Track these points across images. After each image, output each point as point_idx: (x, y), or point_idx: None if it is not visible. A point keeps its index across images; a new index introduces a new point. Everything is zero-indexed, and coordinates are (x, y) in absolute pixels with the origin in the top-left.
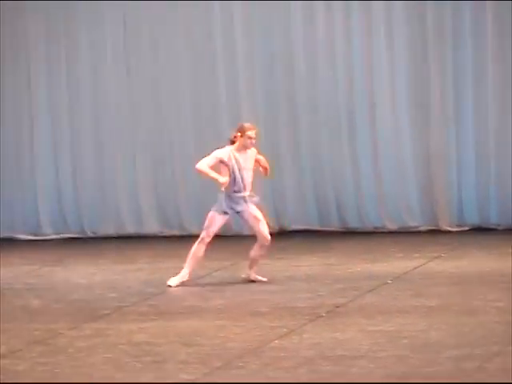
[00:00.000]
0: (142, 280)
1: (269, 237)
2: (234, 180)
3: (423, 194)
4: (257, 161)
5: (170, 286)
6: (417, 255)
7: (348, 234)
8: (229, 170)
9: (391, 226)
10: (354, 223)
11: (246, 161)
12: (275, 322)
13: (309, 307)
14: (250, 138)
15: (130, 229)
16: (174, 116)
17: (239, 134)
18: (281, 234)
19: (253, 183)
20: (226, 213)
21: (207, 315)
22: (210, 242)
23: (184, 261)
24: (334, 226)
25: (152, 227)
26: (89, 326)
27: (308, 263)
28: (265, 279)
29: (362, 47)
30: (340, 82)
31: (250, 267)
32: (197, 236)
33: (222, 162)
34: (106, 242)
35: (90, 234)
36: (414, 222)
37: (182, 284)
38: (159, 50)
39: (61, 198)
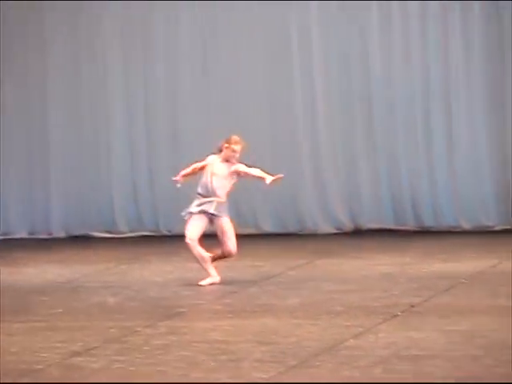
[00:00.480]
0: None
1: (233, 251)
2: (203, 182)
3: (499, 193)
4: (235, 172)
5: (201, 286)
6: (492, 255)
7: (423, 233)
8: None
9: (466, 225)
10: (429, 222)
11: (221, 168)
12: (350, 321)
13: (384, 306)
14: (233, 151)
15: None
16: (249, 116)
17: (226, 144)
18: (356, 233)
19: (228, 194)
20: (200, 212)
21: (282, 314)
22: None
23: (264, 259)
24: (410, 225)
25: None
26: (164, 324)
27: (383, 262)
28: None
29: (438, 48)
30: (416, 83)
31: (212, 260)
32: (272, 235)
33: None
34: (181, 240)
35: (165, 232)
36: (490, 221)
37: (213, 283)
38: (236, 49)
39: (137, 197)
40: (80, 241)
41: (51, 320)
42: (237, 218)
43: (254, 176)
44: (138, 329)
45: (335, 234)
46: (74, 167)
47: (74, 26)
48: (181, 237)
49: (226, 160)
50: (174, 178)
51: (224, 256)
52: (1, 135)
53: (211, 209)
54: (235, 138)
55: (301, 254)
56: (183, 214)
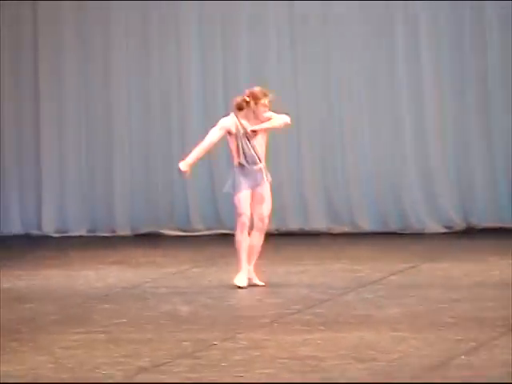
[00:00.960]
0: (306, 284)
1: (267, 219)
2: (243, 152)
3: None
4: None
5: (239, 288)
6: None
7: None
8: (236, 140)
9: None
10: None
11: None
12: (461, 334)
13: (501, 318)
14: (265, 105)
15: (293, 224)
16: (351, 115)
17: (253, 100)
18: (468, 233)
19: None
20: (247, 187)
21: (382, 326)
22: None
23: (361, 262)
24: None
25: (319, 223)
26: (245, 337)
27: (499, 267)
28: (262, 283)
29: None
30: None
31: (249, 261)
32: (370, 234)
33: (229, 133)
34: (265, 239)
35: None
36: None
37: (250, 281)
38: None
39: (214, 191)
40: (147, 239)
41: (114, 331)
42: (330, 215)
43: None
44: (215, 342)
45: (444, 233)
46: (141, 164)
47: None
48: (265, 235)
49: (254, 118)
50: (182, 170)
51: (258, 237)
52: (63, 131)
53: (260, 179)
54: (261, 89)
55: (404, 257)
56: (230, 190)
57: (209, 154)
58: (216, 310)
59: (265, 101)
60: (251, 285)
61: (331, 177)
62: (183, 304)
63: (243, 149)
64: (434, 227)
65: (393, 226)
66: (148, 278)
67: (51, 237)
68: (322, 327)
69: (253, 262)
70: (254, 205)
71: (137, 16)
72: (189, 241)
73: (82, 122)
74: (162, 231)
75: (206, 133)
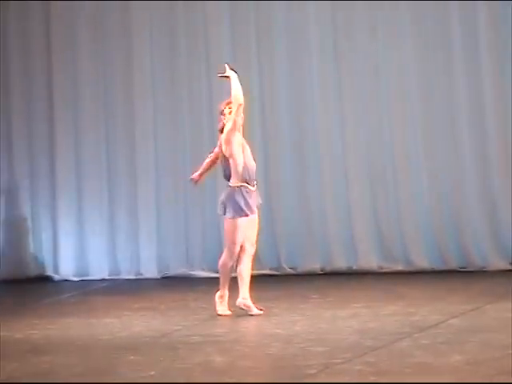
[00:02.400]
0: (356, 329)
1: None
2: (246, 166)
3: None
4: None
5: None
6: None
7: None
8: (243, 157)
9: None
10: None
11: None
12: None
13: None
14: (226, 115)
15: (340, 263)
16: (397, 124)
17: (222, 117)
18: None
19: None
20: (252, 211)
21: (441, 375)
22: None
23: (417, 304)
24: None
25: (369, 261)
26: None
27: None
28: (260, 312)
29: None
30: None
31: (242, 289)
32: (428, 272)
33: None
34: (309, 280)
35: (288, 270)
36: None
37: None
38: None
39: None
40: (177, 282)
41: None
42: (381, 252)
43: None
44: None
45: (509, 270)
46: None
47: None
48: (308, 276)
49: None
50: (192, 177)
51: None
52: (81, 154)
53: (258, 202)
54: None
55: (465, 297)
56: (230, 214)
57: None
58: (255, 361)
59: (225, 110)
60: (250, 314)
61: (382, 209)
62: (218, 354)
63: (250, 166)
64: (498, 264)
65: (452, 263)
66: (179, 325)
67: (70, 280)
68: (373, 377)
69: (246, 291)
70: (246, 230)
71: (163, 18)
72: None
73: (102, 149)
74: (192, 273)
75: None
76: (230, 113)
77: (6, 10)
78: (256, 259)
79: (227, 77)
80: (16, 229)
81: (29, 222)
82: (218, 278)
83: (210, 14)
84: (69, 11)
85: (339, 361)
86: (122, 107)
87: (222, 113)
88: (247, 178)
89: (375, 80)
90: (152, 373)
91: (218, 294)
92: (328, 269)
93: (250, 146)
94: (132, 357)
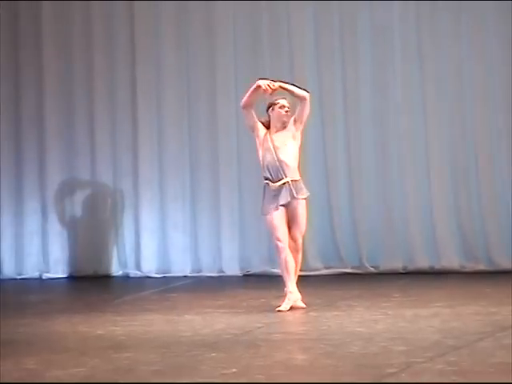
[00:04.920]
0: (438, 329)
1: (300, 239)
2: (267, 166)
3: None
4: (295, 125)
5: (280, 311)
6: None
7: None
8: (261, 151)
9: None
10: None
11: (282, 138)
12: None
13: None
14: (281, 106)
15: (422, 262)
16: (480, 123)
17: (270, 108)
18: None
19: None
20: (276, 209)
21: None
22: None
23: (499, 303)
24: None
25: (451, 260)
26: None
27: None
28: (303, 305)
29: None
30: None
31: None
32: (507, 272)
33: (253, 129)
34: (391, 278)
35: (369, 269)
36: None
37: (295, 305)
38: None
39: (333, 226)
40: (259, 280)
41: (222, 382)
42: (463, 251)
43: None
44: None
45: None
46: (250, 193)
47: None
48: (390, 274)
49: (280, 128)
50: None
51: (294, 256)
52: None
53: (289, 196)
54: (276, 98)
55: None
56: (263, 212)
57: (328, 190)
58: (336, 359)
59: (280, 101)
60: (294, 307)
61: (464, 208)
62: (299, 352)
63: (267, 161)
64: None
65: None
66: (260, 322)
67: (152, 277)
68: (455, 377)
69: (288, 284)
70: (288, 224)
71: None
72: (306, 281)
73: (184, 145)
74: (274, 270)
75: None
76: (286, 105)
77: (89, 10)
78: (338, 258)
79: (275, 89)
80: (99, 225)
81: (111, 219)
82: (300, 276)
83: (294, 14)
84: (152, 10)
85: (420, 360)
86: (205, 104)
87: (275, 108)
88: (268, 174)
89: (458, 80)
90: (234, 370)
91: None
92: (410, 268)
93: (334, 146)
94: (214, 354)
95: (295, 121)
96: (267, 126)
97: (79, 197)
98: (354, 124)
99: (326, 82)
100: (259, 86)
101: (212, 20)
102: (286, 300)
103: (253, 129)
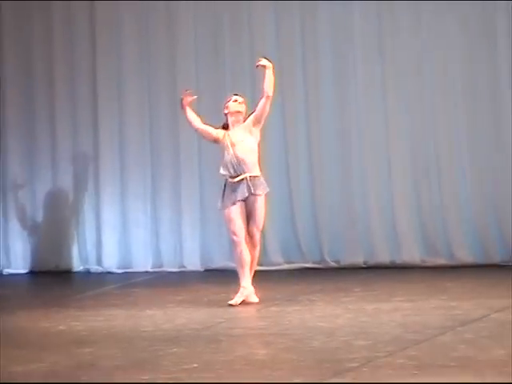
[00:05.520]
0: (399, 323)
1: (258, 235)
2: (226, 162)
3: None
4: (254, 122)
5: (231, 305)
6: None
7: None
8: (221, 150)
9: None
10: None
11: (239, 134)
12: None
13: None
14: (234, 100)
15: (383, 257)
16: (441, 119)
17: (225, 110)
18: None
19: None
20: (233, 203)
21: (485, 370)
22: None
23: (459, 298)
24: None
25: (412, 255)
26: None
27: None
28: (256, 300)
29: None
30: None
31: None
32: (470, 266)
33: (216, 141)
34: (352, 273)
35: (331, 264)
36: None
37: (247, 300)
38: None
39: (295, 221)
40: (220, 275)
41: (184, 378)
42: (424, 246)
43: (266, 93)
44: None
45: None
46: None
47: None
48: (351, 269)
49: (234, 126)
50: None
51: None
52: (124, 144)
53: (246, 192)
54: (228, 98)
55: (509, 292)
56: (219, 206)
57: (289, 185)
58: (297, 354)
59: (233, 97)
60: (247, 302)
61: (425, 203)
62: (261, 347)
63: (225, 159)
64: None
65: (495, 258)
66: (221, 317)
67: (113, 273)
68: (416, 372)
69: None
70: (246, 219)
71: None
72: (267, 276)
73: (146, 141)
74: (231, 265)
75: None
76: (241, 101)
77: (50, 10)
78: (299, 253)
79: (264, 66)
80: (60, 221)
81: (73, 215)
82: (260, 271)
83: (255, 12)
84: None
85: (382, 354)
86: (166, 102)
87: (228, 107)
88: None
89: (419, 77)
90: (195, 365)
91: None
92: (371, 262)
93: (295, 141)
94: (175, 349)
95: (254, 118)
96: (227, 126)
97: (40, 193)
98: (315, 120)
99: (286, 78)
100: (181, 103)
101: (173, 16)
102: (238, 294)
103: (214, 140)
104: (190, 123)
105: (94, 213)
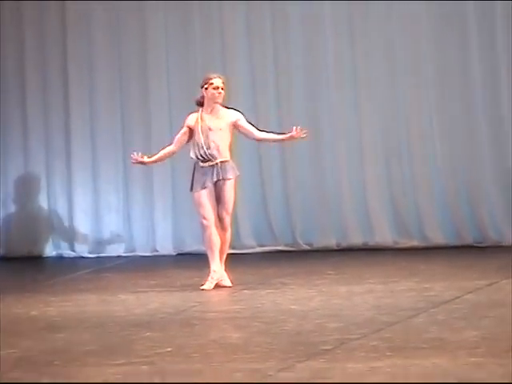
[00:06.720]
0: (372, 305)
1: (228, 218)
2: (195, 145)
3: None
4: (235, 125)
5: (204, 290)
6: None
7: None
8: (193, 135)
9: None
10: None
11: (214, 120)
12: None
13: None
14: (214, 88)
15: (356, 239)
16: (412, 102)
17: (205, 86)
18: None
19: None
20: (203, 187)
21: (457, 351)
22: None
23: (432, 280)
24: None
25: (385, 237)
26: (305, 366)
27: None
28: (230, 284)
29: None
30: None
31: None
32: (443, 248)
33: (190, 127)
34: (325, 256)
35: (303, 247)
36: None
37: (220, 284)
38: None
39: (267, 204)
40: (192, 259)
41: (157, 362)
42: (396, 227)
43: (260, 139)
44: (270, 373)
45: None
46: (184, 177)
47: None
48: (324, 252)
49: (212, 106)
50: (134, 158)
51: (221, 235)
52: (96, 140)
53: (216, 176)
54: (210, 73)
55: (481, 273)
56: (192, 190)
57: (261, 168)
58: (271, 337)
59: (215, 81)
60: (220, 286)
61: (397, 185)
62: (234, 330)
63: (197, 144)
64: None
65: (468, 239)
66: (194, 301)
67: (85, 257)
68: (389, 353)
69: (220, 262)
70: (215, 203)
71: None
72: (239, 259)
73: (117, 124)
74: (203, 249)
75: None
76: (221, 85)
77: (22, 9)
78: (271, 235)
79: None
80: (32, 206)
81: (45, 200)
82: (233, 255)
83: (225, 8)
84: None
85: (355, 336)
86: (137, 87)
87: (209, 85)
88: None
89: (390, 57)
90: (168, 349)
91: None
92: (344, 245)
93: (266, 123)
94: (148, 333)
95: (238, 125)
96: (201, 103)
97: (12, 178)
98: (287, 101)
99: (258, 64)
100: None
101: (143, 15)
102: (210, 279)
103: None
104: (167, 158)
105: (66, 198)
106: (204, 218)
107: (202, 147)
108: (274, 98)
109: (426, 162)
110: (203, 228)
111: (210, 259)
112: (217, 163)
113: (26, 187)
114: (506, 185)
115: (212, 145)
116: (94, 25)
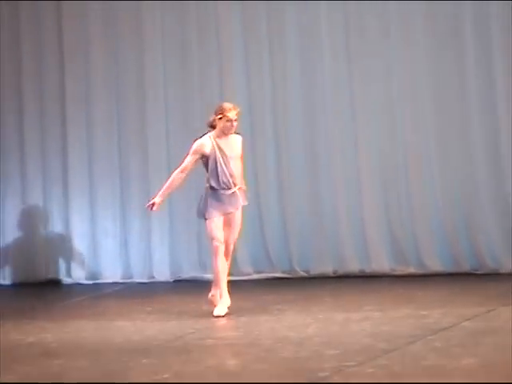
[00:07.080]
0: (369, 332)
1: (232, 245)
2: (217, 174)
3: None
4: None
5: (217, 317)
6: None
7: None
8: (210, 162)
9: None
10: None
11: (230, 148)
12: None
13: None
14: (228, 120)
15: (352, 266)
16: (410, 125)
17: (219, 116)
18: None
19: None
20: (221, 214)
21: (455, 378)
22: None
23: (429, 307)
24: None
25: (381, 264)
26: None
27: None
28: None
29: None
30: None
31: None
32: (441, 275)
33: (203, 155)
34: (322, 283)
35: (300, 273)
36: None
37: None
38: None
39: (264, 231)
40: (190, 285)
41: None
42: (393, 254)
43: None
44: None
45: None
46: (178, 201)
47: None
48: (321, 278)
49: (223, 134)
50: (149, 205)
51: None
52: (93, 151)
53: (238, 204)
54: (227, 105)
55: (478, 300)
56: (205, 216)
57: (258, 194)
58: (268, 364)
59: (230, 115)
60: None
61: (395, 212)
62: (231, 357)
63: (217, 172)
64: None
65: (465, 266)
66: (192, 328)
67: (82, 284)
68: (387, 380)
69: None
70: (225, 230)
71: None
72: (236, 285)
73: (114, 151)
74: (205, 276)
75: (255, 153)
76: (235, 118)
77: (17, 9)
78: (268, 262)
79: None
80: (28, 231)
81: (41, 225)
82: (231, 281)
83: (222, 14)
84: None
85: (352, 364)
86: (134, 110)
87: (224, 116)
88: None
89: (387, 81)
90: (165, 376)
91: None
92: (340, 272)
93: (263, 148)
94: (145, 360)
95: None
96: (213, 126)
97: (9, 204)
98: (283, 126)
99: (254, 83)
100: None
101: (140, 18)
102: (222, 305)
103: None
104: (180, 184)
105: (62, 224)
106: (219, 241)
107: (225, 175)
108: (269, 99)
109: (424, 189)
110: (218, 252)
111: (222, 283)
112: (236, 191)
113: (22, 213)
114: (503, 212)
115: (233, 172)
116: (90, 25)
